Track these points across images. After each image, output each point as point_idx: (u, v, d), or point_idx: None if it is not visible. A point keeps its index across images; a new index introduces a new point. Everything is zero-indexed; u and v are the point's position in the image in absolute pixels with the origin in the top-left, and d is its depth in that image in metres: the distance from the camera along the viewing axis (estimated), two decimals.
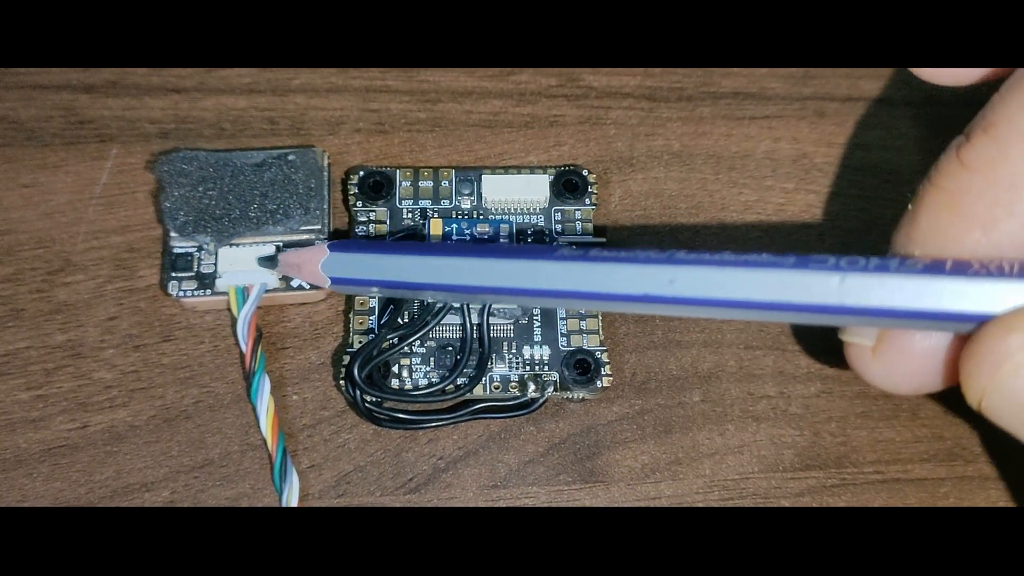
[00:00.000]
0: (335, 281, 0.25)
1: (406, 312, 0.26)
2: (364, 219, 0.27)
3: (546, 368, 0.26)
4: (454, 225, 0.27)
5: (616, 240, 0.28)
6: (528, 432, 0.26)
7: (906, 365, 0.21)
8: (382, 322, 0.26)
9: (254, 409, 0.25)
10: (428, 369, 0.26)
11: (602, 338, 0.26)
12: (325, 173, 0.27)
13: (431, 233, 0.27)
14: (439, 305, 0.26)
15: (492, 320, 0.26)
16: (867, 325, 0.22)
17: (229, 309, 0.26)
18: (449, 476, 0.25)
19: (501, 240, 0.27)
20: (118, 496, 0.25)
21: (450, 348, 0.26)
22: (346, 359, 0.25)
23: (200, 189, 0.26)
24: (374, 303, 0.26)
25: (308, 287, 0.26)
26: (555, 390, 0.26)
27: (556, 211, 0.28)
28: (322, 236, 0.26)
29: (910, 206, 0.21)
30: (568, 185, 0.28)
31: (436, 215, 0.27)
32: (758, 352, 0.27)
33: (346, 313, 0.27)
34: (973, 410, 0.20)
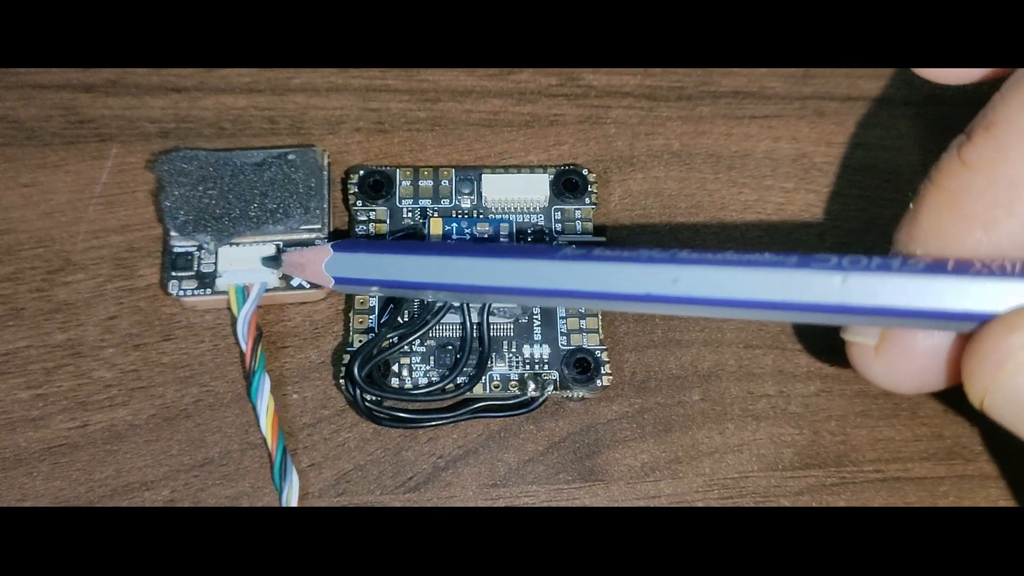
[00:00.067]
0: (339, 281, 0.25)
1: (406, 311, 0.26)
2: (364, 218, 0.27)
3: (546, 367, 0.26)
4: (454, 224, 0.27)
5: (616, 239, 0.28)
6: (528, 431, 0.26)
7: (908, 364, 0.21)
8: (382, 321, 0.26)
9: (254, 408, 0.25)
10: (428, 368, 0.26)
11: (602, 337, 0.26)
12: (325, 172, 0.27)
13: (431, 232, 0.27)
14: (439, 304, 0.26)
15: (492, 319, 0.26)
16: (869, 324, 0.22)
17: (229, 308, 0.26)
18: (449, 475, 0.25)
19: (501, 239, 0.27)
20: (118, 495, 0.25)
21: (450, 347, 0.26)
22: (346, 358, 0.25)
23: (200, 188, 0.26)
24: (374, 302, 0.26)
25: (308, 286, 0.26)
26: (555, 389, 0.26)
27: (556, 210, 0.28)
28: (322, 235, 0.26)
29: (911, 205, 0.21)
30: (568, 184, 0.28)
31: (436, 214, 0.27)
32: (758, 351, 0.27)
33: (346, 312, 0.27)
34: (973, 409, 0.20)
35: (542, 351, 0.26)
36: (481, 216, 0.27)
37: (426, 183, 0.28)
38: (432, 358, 0.26)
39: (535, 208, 0.28)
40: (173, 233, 0.26)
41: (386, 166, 0.28)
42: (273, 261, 0.26)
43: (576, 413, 0.26)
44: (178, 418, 0.25)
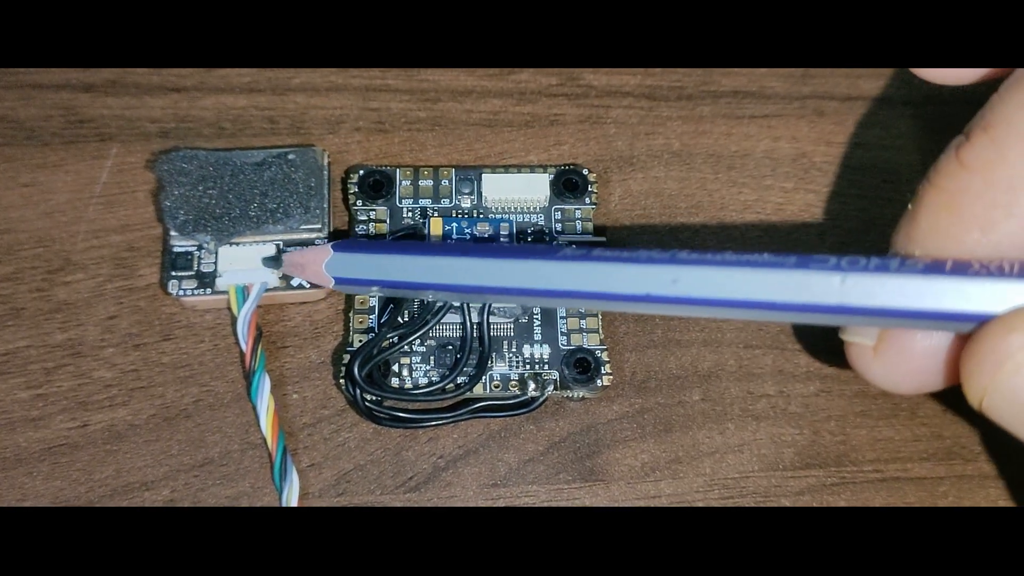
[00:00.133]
0: (339, 281, 0.25)
1: (406, 311, 0.26)
2: (364, 218, 0.27)
3: (546, 367, 0.26)
4: (454, 224, 0.27)
5: (616, 239, 0.28)
6: (528, 431, 0.26)
7: (907, 365, 0.21)
8: (382, 321, 0.26)
9: (254, 408, 0.25)
10: (428, 368, 0.26)
11: (602, 337, 0.26)
12: (325, 172, 0.27)
13: (431, 232, 0.27)
14: (439, 304, 0.26)
15: (492, 319, 0.26)
16: (868, 325, 0.22)
17: (229, 308, 0.26)
18: (449, 475, 0.25)
19: (501, 239, 0.27)
20: (118, 495, 0.25)
21: (450, 347, 0.26)
22: (346, 358, 0.25)
23: (200, 188, 0.26)
24: (374, 302, 0.26)
25: (308, 286, 0.26)
26: (555, 389, 0.26)
27: (556, 210, 0.28)
28: (322, 235, 0.26)
29: (909, 206, 0.21)
30: (568, 184, 0.28)
31: (436, 214, 0.27)
32: (758, 351, 0.27)
33: (346, 312, 0.27)
34: (973, 409, 0.20)
35: (542, 351, 0.26)
36: (481, 216, 0.27)
37: (426, 183, 0.28)
38: (432, 358, 0.26)
39: (535, 208, 0.28)
40: (173, 233, 0.26)
41: (386, 166, 0.28)
42: (273, 261, 0.26)
43: (576, 413, 0.26)
44: (178, 418, 0.25)
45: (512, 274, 0.23)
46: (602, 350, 0.26)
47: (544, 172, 0.28)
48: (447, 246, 0.26)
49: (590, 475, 0.26)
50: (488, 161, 0.29)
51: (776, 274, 0.20)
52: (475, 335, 0.26)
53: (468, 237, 0.27)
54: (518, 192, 0.28)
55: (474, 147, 0.29)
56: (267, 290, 0.26)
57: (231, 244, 0.26)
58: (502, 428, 0.26)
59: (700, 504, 0.26)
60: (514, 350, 0.26)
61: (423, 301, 0.26)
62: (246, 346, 0.25)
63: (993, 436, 0.26)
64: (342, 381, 0.25)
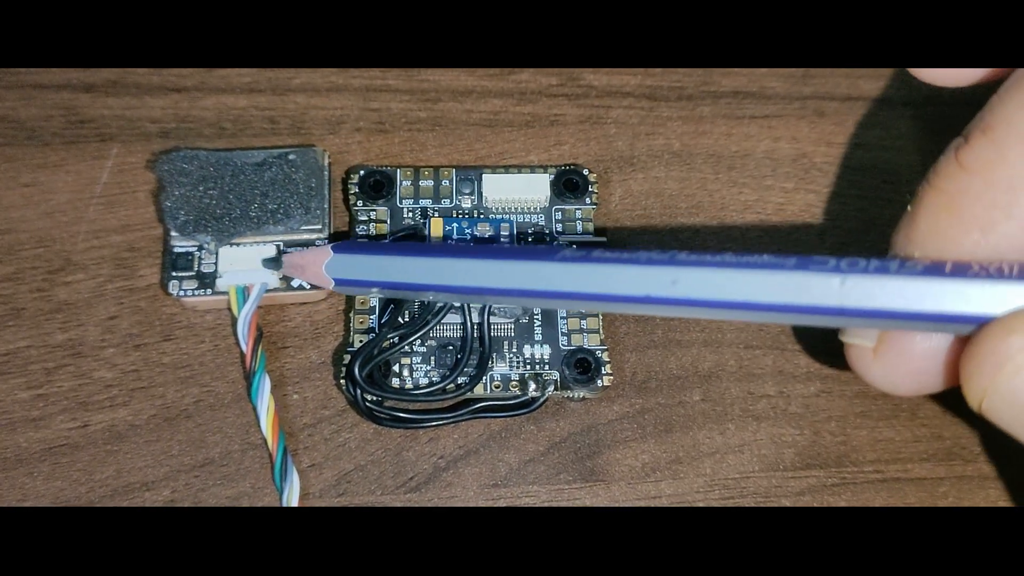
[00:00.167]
0: (339, 282, 0.25)
1: (407, 311, 0.26)
2: (365, 218, 0.27)
3: (547, 367, 0.26)
4: (455, 224, 0.27)
5: (617, 240, 0.28)
6: (529, 431, 0.26)
7: (907, 366, 0.21)
8: (383, 321, 0.26)
9: (254, 408, 0.25)
10: (429, 368, 0.26)
11: (602, 337, 0.26)
12: (326, 172, 0.27)
13: (432, 233, 0.27)
14: (439, 304, 0.26)
15: (493, 319, 0.26)
16: (868, 326, 0.22)
17: (230, 308, 0.26)
18: (450, 475, 0.25)
19: (502, 239, 0.27)
20: (119, 495, 0.25)
21: (451, 347, 0.26)
22: (347, 358, 0.25)
23: (201, 188, 0.26)
24: (375, 302, 0.26)
25: (308, 286, 0.26)
26: (556, 389, 0.26)
27: (557, 210, 0.28)
28: (323, 236, 0.26)
29: (909, 207, 0.21)
30: (569, 184, 0.28)
31: (437, 214, 0.27)
32: (758, 352, 0.27)
33: (346, 312, 0.27)
34: (973, 411, 0.20)
35: (543, 351, 0.26)
36: (482, 216, 0.27)
37: (427, 183, 0.28)
38: (433, 358, 0.26)
39: (536, 208, 0.28)
40: (174, 233, 0.26)
41: (387, 166, 0.28)
42: (273, 262, 0.26)
43: (577, 413, 0.26)
44: (179, 418, 0.26)
45: (513, 275, 0.23)
46: (603, 350, 0.26)
47: (544, 172, 0.28)
48: (447, 247, 0.26)
49: (591, 475, 0.26)
50: (488, 161, 0.29)
51: (776, 276, 0.20)
52: (476, 335, 0.26)
53: (469, 238, 0.27)
54: (518, 192, 0.28)
55: (474, 147, 0.29)
56: (267, 291, 0.26)
57: (231, 245, 0.26)
58: (503, 428, 0.26)
59: (700, 504, 0.26)
60: (514, 350, 0.26)
61: (424, 301, 0.26)
62: (246, 347, 0.25)
63: (993, 437, 0.26)
64: (343, 381, 0.25)
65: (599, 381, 0.26)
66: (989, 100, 0.21)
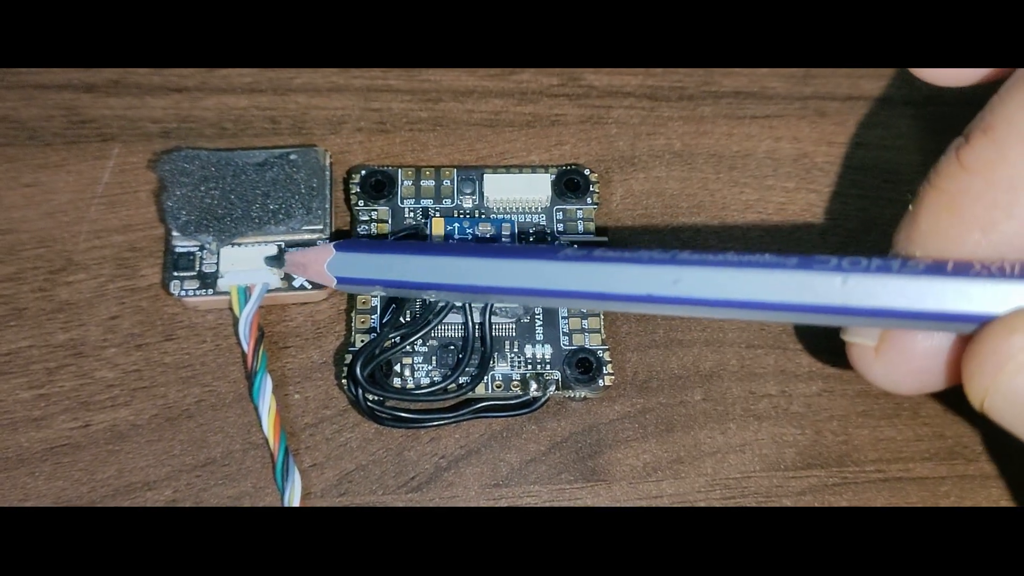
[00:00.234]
0: (341, 281, 0.25)
1: (408, 311, 0.26)
2: (366, 218, 0.27)
3: (548, 367, 0.26)
4: (456, 224, 0.27)
5: (618, 239, 0.28)
6: (530, 431, 0.26)
7: (908, 365, 0.21)
8: (384, 321, 0.26)
9: (256, 408, 0.25)
10: (430, 368, 0.26)
11: (604, 337, 0.26)
12: (327, 172, 0.27)
13: (433, 232, 0.27)
14: (441, 304, 0.26)
15: (494, 319, 0.26)
16: (870, 325, 0.22)
17: (231, 309, 0.26)
18: (451, 475, 0.25)
19: (503, 239, 0.27)
20: (120, 495, 0.25)
21: (452, 347, 0.26)
22: (348, 358, 0.25)
23: (202, 188, 0.26)
24: (376, 302, 0.26)
25: (310, 286, 0.26)
26: (557, 389, 0.26)
27: (558, 210, 0.28)
28: (324, 236, 0.26)
29: (910, 207, 0.21)
30: (570, 184, 0.28)
31: (438, 214, 0.27)
32: (759, 351, 0.27)
33: (348, 312, 0.27)
34: (975, 410, 0.20)
35: (544, 351, 0.26)
36: (483, 216, 0.27)
37: (428, 183, 0.28)
38: (434, 358, 0.26)
39: (537, 208, 0.28)
40: (175, 233, 0.26)
41: (388, 166, 0.28)
42: (276, 260, 0.26)
43: (578, 413, 0.26)
44: (180, 418, 0.26)
45: (514, 274, 0.23)
46: (604, 350, 0.26)
47: (546, 172, 0.28)
48: (449, 246, 0.26)
49: (592, 475, 0.26)
50: (490, 161, 0.29)
51: (778, 275, 0.20)
52: (477, 335, 0.26)
53: (470, 237, 0.27)
54: (520, 192, 0.28)
55: (476, 147, 0.29)
56: (269, 291, 0.26)
57: (233, 245, 0.26)
58: (504, 428, 0.26)
59: (702, 504, 0.26)
60: (516, 350, 0.26)
61: (425, 301, 0.26)
62: (248, 346, 0.25)
63: (995, 436, 0.26)
64: (344, 381, 0.25)
65: (600, 381, 0.26)
66: (990, 100, 0.21)
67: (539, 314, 0.26)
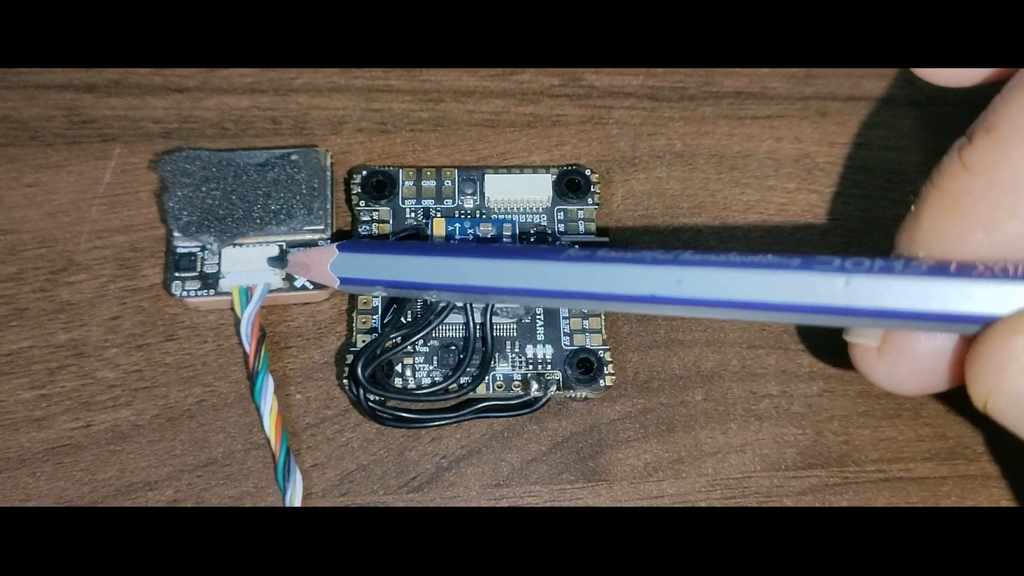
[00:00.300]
0: (344, 281, 0.25)
1: (409, 311, 0.26)
2: (367, 219, 0.27)
3: (549, 367, 0.26)
4: (457, 225, 0.27)
5: (619, 240, 0.28)
6: (531, 431, 0.26)
7: (911, 366, 0.21)
8: (385, 321, 0.26)
9: (257, 408, 0.25)
10: (431, 368, 0.26)
11: (605, 337, 0.26)
12: (328, 173, 0.27)
13: (434, 233, 0.27)
14: (442, 304, 0.26)
15: (495, 319, 0.26)
16: (872, 326, 0.22)
17: (233, 309, 0.26)
18: (452, 475, 0.25)
19: (504, 240, 0.27)
20: (121, 495, 0.25)
21: (453, 347, 0.26)
22: (349, 358, 0.25)
23: (203, 189, 0.26)
24: (377, 302, 0.26)
25: (311, 287, 0.26)
26: (558, 389, 0.26)
27: (559, 211, 0.28)
28: (325, 236, 0.26)
29: (913, 207, 0.21)
30: (571, 185, 0.28)
31: (439, 215, 0.27)
32: (760, 351, 0.27)
33: (349, 312, 0.27)
34: (976, 410, 0.20)
35: (545, 351, 0.26)
36: (484, 216, 0.27)
37: (429, 183, 0.28)
38: (435, 358, 0.26)
39: (538, 208, 0.28)
40: (176, 234, 0.26)
41: (389, 166, 0.28)
42: (278, 261, 0.26)
43: (579, 413, 0.26)
44: (182, 418, 0.26)
45: (515, 275, 0.23)
46: (605, 350, 0.26)
47: (547, 172, 0.28)
48: (451, 246, 0.26)
49: (593, 475, 0.26)
50: (491, 161, 0.29)
51: (780, 275, 0.20)
52: (478, 335, 0.26)
53: (471, 238, 0.27)
54: (521, 192, 0.28)
55: (476, 147, 0.29)
56: (270, 291, 0.26)
57: (234, 245, 0.26)
58: (505, 428, 0.26)
59: (703, 504, 0.26)
60: (517, 350, 0.26)
61: (426, 301, 0.26)
62: (250, 347, 0.25)
63: (996, 436, 0.26)
64: (345, 381, 0.25)
65: (601, 381, 0.26)
66: (992, 100, 0.21)
67: (540, 314, 0.26)
